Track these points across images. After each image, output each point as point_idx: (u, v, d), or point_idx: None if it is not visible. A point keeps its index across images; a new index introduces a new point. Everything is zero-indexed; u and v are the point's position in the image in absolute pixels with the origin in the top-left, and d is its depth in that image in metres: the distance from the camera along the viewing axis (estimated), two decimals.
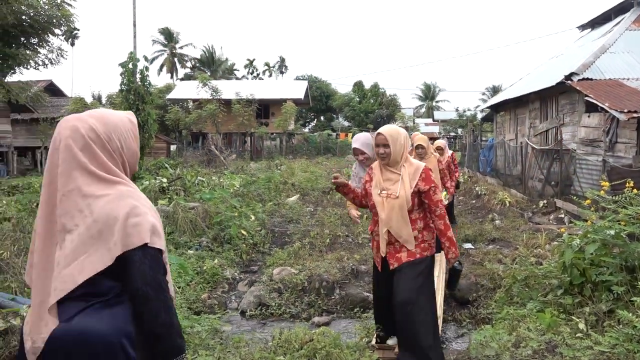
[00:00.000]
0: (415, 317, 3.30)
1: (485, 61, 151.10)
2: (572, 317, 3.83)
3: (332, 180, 3.57)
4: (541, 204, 10.45)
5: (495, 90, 52.92)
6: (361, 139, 4.33)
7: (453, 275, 4.44)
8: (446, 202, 5.86)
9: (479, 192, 13.07)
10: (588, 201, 4.89)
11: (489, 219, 9.74)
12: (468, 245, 7.66)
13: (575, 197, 5.96)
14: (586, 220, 4.96)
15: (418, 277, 3.35)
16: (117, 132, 1.67)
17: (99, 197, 1.56)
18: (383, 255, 3.45)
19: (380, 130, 3.45)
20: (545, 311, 3.95)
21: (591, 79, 11.87)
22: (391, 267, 3.42)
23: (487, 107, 22.68)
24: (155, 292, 1.56)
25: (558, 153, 11.21)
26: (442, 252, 5.24)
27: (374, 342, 3.93)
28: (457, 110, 47.84)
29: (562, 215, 9.32)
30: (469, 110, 45.62)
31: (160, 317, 1.56)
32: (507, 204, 10.89)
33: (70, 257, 1.53)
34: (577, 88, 11.37)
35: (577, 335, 3.49)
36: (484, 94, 59.07)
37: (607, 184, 4.73)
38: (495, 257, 6.55)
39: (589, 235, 4.19)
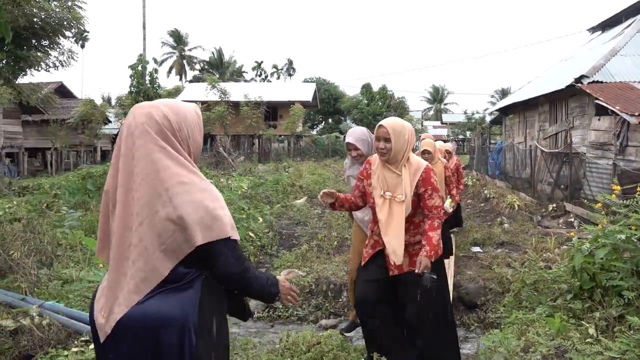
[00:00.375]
0: (439, 334, 3.22)
1: (494, 64, 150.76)
2: (582, 322, 3.79)
3: (323, 200, 3.05)
4: (550, 208, 10.38)
5: (504, 93, 52.70)
6: (356, 133, 3.84)
7: (422, 293, 2.95)
8: (450, 210, 5.78)
9: (488, 196, 13.01)
10: (599, 205, 4.84)
11: (497, 222, 9.69)
12: (476, 249, 7.62)
13: (585, 201, 5.91)
14: (596, 224, 4.91)
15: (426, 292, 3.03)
16: (186, 122, 1.72)
17: (179, 184, 1.61)
18: (394, 263, 3.07)
19: (383, 122, 3.08)
20: (554, 316, 3.92)
21: (601, 82, 11.77)
22: (390, 273, 3.14)
23: (496, 110, 22.58)
24: (242, 273, 1.73)
25: (568, 156, 11.13)
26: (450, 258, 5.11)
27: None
28: (465, 113, 47.77)
29: (572, 219, 9.25)
30: (477, 113, 45.55)
31: (253, 288, 1.80)
32: (516, 208, 10.82)
33: (147, 243, 1.59)
34: (587, 91, 11.29)
35: (587, 340, 3.45)
36: (492, 96, 58.90)
37: (619, 187, 4.68)
38: (503, 261, 6.51)
39: (599, 240, 4.15)
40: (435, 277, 2.92)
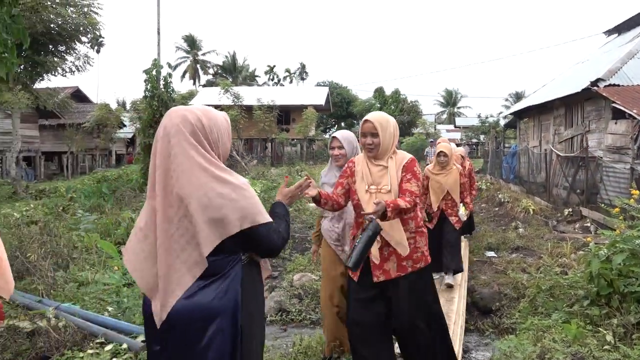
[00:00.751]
0: (431, 345, 2.94)
1: (508, 67, 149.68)
2: (599, 328, 3.73)
3: (305, 192, 2.57)
4: (566, 212, 10.26)
5: (518, 97, 52.23)
6: (344, 134, 3.65)
7: (369, 240, 2.63)
8: (464, 218, 5.67)
9: (502, 200, 12.89)
10: (617, 210, 4.78)
11: (512, 227, 9.59)
12: (491, 254, 7.56)
13: (602, 206, 5.84)
14: (614, 229, 4.84)
15: (420, 299, 2.90)
16: (217, 126, 1.88)
17: (213, 179, 1.77)
18: (377, 262, 2.86)
19: (368, 116, 2.95)
20: (571, 322, 3.87)
21: (618, 85, 11.62)
22: (375, 279, 2.87)
23: (510, 114, 22.39)
24: (283, 245, 1.97)
25: (584, 160, 11.00)
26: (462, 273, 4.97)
27: None
28: (479, 116, 47.30)
29: (588, 224, 9.12)
30: (491, 116, 45.07)
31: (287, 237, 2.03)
32: (531, 212, 10.71)
33: (188, 234, 1.74)
34: (604, 94, 11.14)
35: (604, 347, 3.40)
36: (506, 100, 58.39)
37: (637, 192, 4.61)
38: (518, 266, 6.45)
39: (617, 245, 4.09)
40: (381, 229, 2.65)
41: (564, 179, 12.18)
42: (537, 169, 14.83)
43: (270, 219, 1.90)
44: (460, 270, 5.70)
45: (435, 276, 5.43)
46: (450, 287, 5.41)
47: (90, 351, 3.49)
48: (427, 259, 2.97)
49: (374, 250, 2.82)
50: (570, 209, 10.35)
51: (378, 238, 2.74)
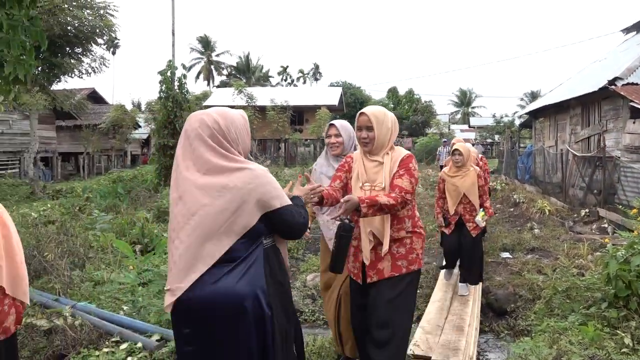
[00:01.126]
0: (390, 340, 2.76)
1: (523, 66, 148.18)
2: (617, 331, 3.67)
3: (307, 198, 2.44)
4: (583, 213, 10.12)
5: (534, 96, 51.71)
6: (342, 122, 3.56)
7: (340, 240, 2.57)
8: (483, 224, 5.25)
9: (517, 200, 12.76)
10: (635, 210, 4.70)
11: (527, 227, 9.49)
12: (506, 255, 7.49)
13: (620, 206, 5.75)
14: (632, 231, 4.77)
15: (397, 297, 2.75)
16: (234, 126, 2.01)
17: (232, 173, 1.91)
18: (367, 262, 2.78)
19: (364, 109, 2.86)
20: (588, 324, 3.82)
21: (636, 84, 11.43)
22: (369, 280, 2.80)
23: (526, 113, 22.17)
24: (305, 224, 2.10)
25: (601, 160, 10.84)
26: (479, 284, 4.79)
27: None
28: (494, 116, 46.98)
29: (606, 225, 8.99)
30: (506, 116, 44.74)
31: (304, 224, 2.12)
32: (547, 213, 10.58)
33: (214, 227, 1.87)
34: (622, 93, 10.98)
35: (622, 350, 3.35)
36: (522, 99, 57.87)
37: None
38: (534, 267, 6.38)
39: (635, 246, 4.03)
40: (353, 226, 2.56)
41: (581, 179, 12.02)
42: (553, 169, 14.67)
43: (290, 202, 2.03)
44: (476, 282, 5.43)
45: (449, 280, 5.37)
46: (462, 296, 5.22)
47: (105, 349, 3.53)
48: (421, 262, 2.88)
49: (365, 250, 2.77)
50: (587, 210, 10.21)
51: (371, 237, 2.74)
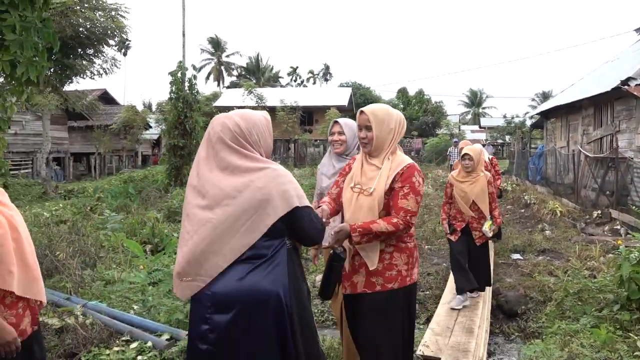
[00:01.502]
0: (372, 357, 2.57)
1: (534, 66, 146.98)
2: (630, 334, 3.63)
3: (332, 244, 2.41)
4: (595, 215, 10.02)
5: (545, 96, 51.33)
6: (346, 119, 3.48)
7: (331, 270, 2.46)
8: (490, 235, 4.93)
9: (528, 201, 12.67)
10: None
11: (538, 229, 9.42)
12: (516, 256, 7.43)
13: (633, 208, 5.68)
14: None
15: (375, 317, 2.51)
16: (256, 128, 2.06)
17: (254, 173, 1.96)
18: (346, 270, 2.60)
19: (364, 108, 2.65)
20: (600, 327, 3.78)
21: None
22: (343, 291, 2.62)
23: (537, 114, 22.00)
24: (322, 229, 2.14)
25: (613, 161, 10.73)
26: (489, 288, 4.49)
27: None
28: (504, 117, 46.63)
29: (618, 227, 8.90)
30: (517, 116, 44.37)
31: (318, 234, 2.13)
32: (558, 214, 10.49)
33: (237, 223, 1.92)
34: (635, 93, 10.84)
35: (635, 353, 3.31)
36: (533, 100, 57.44)
37: None
38: (545, 269, 6.33)
39: None
40: (344, 257, 2.43)
41: (593, 180, 11.90)
42: (564, 170, 14.54)
43: (307, 204, 2.04)
44: (482, 289, 5.14)
45: (458, 307, 4.84)
46: (453, 310, 4.81)
47: (116, 348, 3.55)
48: (405, 280, 2.53)
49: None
50: (599, 211, 10.11)
51: (350, 246, 2.51)
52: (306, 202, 2.04)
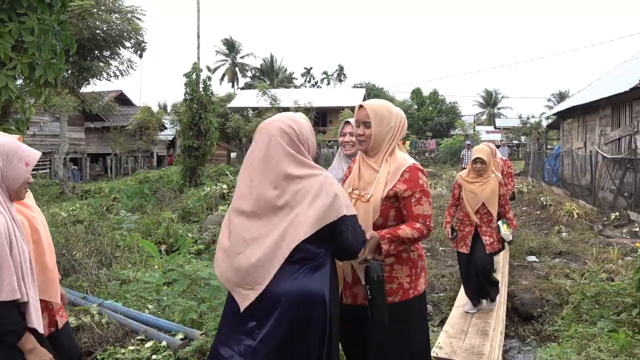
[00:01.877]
0: None
1: (551, 66, 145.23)
2: None
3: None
4: (613, 217, 9.87)
5: (561, 97, 50.73)
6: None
7: (374, 292, 2.19)
8: (510, 238, 4.71)
9: (544, 203, 12.53)
10: None
11: (555, 230, 9.31)
12: (532, 258, 7.35)
13: None
14: None
15: (381, 337, 2.34)
16: (303, 128, 2.11)
17: (306, 178, 1.99)
18: (348, 279, 2.44)
19: (364, 103, 2.46)
20: (618, 331, 3.72)
21: None
22: (344, 300, 2.44)
23: (553, 114, 21.75)
24: (361, 242, 2.13)
25: (632, 162, 10.55)
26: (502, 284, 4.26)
27: None
28: (520, 117, 46.15)
29: (637, 229, 8.75)
30: (533, 117, 43.90)
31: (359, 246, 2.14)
32: (575, 216, 10.35)
33: (285, 226, 1.95)
34: None
35: None
36: (549, 100, 56.83)
37: None
38: (561, 272, 6.25)
39: None
40: (382, 263, 2.22)
41: (611, 182, 11.73)
42: (581, 171, 14.34)
43: (353, 212, 2.05)
44: (488, 297, 4.81)
45: (472, 310, 4.77)
46: (467, 313, 4.69)
47: (131, 347, 3.58)
48: (408, 293, 2.37)
49: (346, 267, 2.42)
50: (617, 213, 9.96)
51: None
52: (353, 211, 2.05)
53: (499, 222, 4.72)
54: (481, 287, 4.77)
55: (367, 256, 2.16)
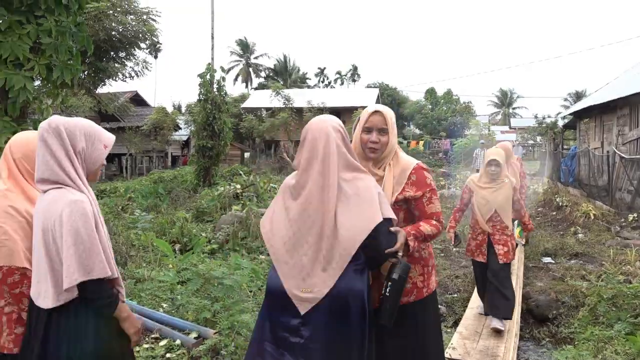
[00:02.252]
0: None
1: (567, 66, 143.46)
2: None
3: None
4: (630, 218, 9.71)
5: (578, 96, 50.08)
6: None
7: (392, 291, 2.10)
8: (523, 242, 4.54)
9: (560, 204, 12.38)
10: None
11: (571, 232, 9.19)
12: (548, 260, 7.27)
13: None
14: None
15: (398, 338, 2.29)
16: (346, 129, 2.17)
17: (357, 180, 2.04)
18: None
19: (377, 107, 2.38)
20: (635, 334, 3.66)
21: None
22: None
23: (570, 114, 21.47)
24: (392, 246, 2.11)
25: None
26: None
27: None
28: (535, 117, 45.67)
29: None
30: (548, 117, 43.40)
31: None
32: (592, 217, 10.21)
33: (340, 230, 1.97)
34: None
35: None
36: (565, 100, 56.11)
37: None
38: (578, 273, 6.17)
39: None
40: (409, 267, 2.15)
41: (629, 183, 11.54)
42: (598, 172, 14.14)
43: (392, 215, 2.09)
44: (508, 317, 4.38)
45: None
46: (498, 332, 4.30)
47: (145, 346, 3.62)
48: (422, 292, 2.35)
49: None
50: (635, 214, 9.80)
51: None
52: (392, 214, 2.09)
53: (514, 224, 4.51)
54: (492, 300, 4.36)
55: (398, 249, 2.10)
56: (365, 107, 2.60)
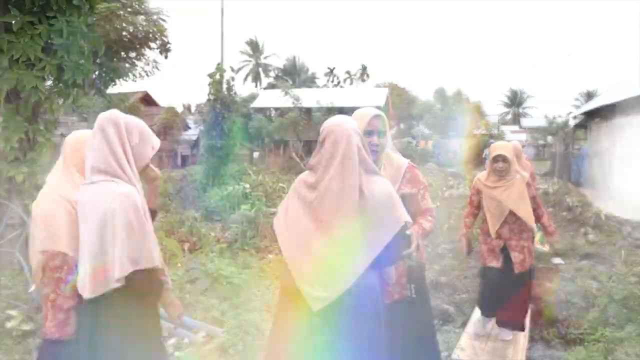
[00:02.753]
0: None
1: (578, 65, 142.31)
2: None
3: None
4: None
5: (589, 96, 49.66)
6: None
7: (417, 292, 2.38)
8: (546, 248, 4.19)
9: (571, 204, 12.27)
10: None
11: (581, 232, 9.11)
12: (557, 260, 7.21)
13: None
14: None
15: (417, 331, 2.44)
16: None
17: (379, 182, 2.05)
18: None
19: (379, 112, 2.47)
20: None
21: None
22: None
23: (581, 114, 21.31)
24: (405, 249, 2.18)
25: None
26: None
27: None
28: (546, 117, 45.34)
29: None
30: (559, 117, 43.06)
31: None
32: (603, 218, 10.12)
33: (363, 232, 1.99)
34: None
35: None
36: (576, 99, 55.68)
37: None
38: (588, 274, 6.13)
39: None
40: (424, 264, 2.29)
41: None
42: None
43: (407, 219, 2.12)
44: (520, 329, 4.22)
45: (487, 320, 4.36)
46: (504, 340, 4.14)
47: None
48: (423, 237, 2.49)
49: None
50: None
51: None
52: (408, 218, 2.13)
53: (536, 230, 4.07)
54: (506, 311, 4.13)
55: (414, 251, 2.17)
56: (375, 106, 2.65)
